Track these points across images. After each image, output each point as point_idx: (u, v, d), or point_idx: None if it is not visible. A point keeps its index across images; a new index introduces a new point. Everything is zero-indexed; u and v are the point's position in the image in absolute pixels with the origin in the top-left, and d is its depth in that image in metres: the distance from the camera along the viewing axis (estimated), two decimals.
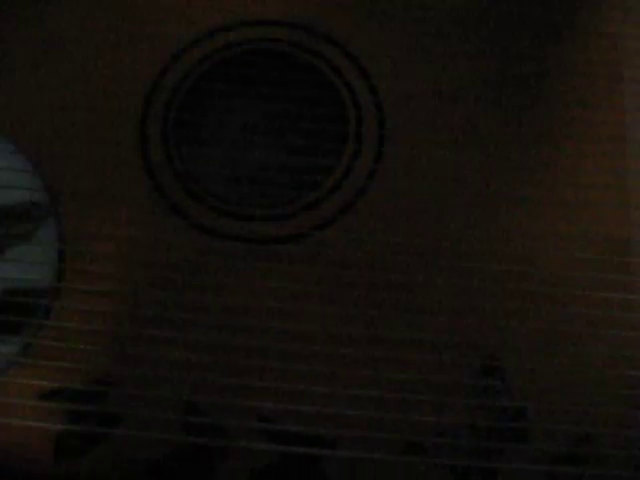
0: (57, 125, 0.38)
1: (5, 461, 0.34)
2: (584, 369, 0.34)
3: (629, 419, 0.33)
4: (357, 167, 0.37)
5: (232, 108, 0.40)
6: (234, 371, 0.34)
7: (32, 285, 0.36)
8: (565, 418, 0.34)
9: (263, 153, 0.39)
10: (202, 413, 0.34)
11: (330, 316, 0.35)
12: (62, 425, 0.34)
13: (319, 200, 0.37)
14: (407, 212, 0.36)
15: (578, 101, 0.38)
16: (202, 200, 0.37)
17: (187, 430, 0.34)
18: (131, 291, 0.35)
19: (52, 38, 0.39)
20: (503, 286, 0.35)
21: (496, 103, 0.38)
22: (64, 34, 0.39)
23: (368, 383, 0.34)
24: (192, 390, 0.34)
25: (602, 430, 0.33)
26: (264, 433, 0.34)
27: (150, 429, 0.33)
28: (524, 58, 0.38)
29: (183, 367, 0.34)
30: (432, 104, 0.37)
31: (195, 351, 0.34)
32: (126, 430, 0.34)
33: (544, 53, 0.39)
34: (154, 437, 0.33)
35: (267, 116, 0.40)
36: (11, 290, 0.36)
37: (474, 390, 0.34)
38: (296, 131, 0.39)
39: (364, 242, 0.36)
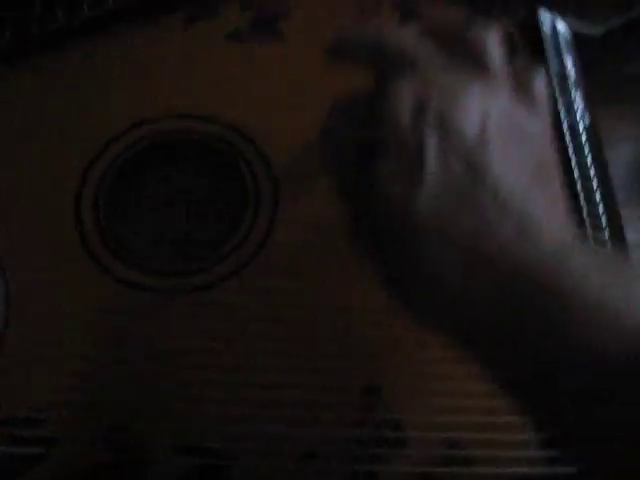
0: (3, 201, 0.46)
1: None
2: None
3: None
4: (255, 227, 0.45)
5: (153, 186, 0.48)
6: (156, 397, 0.41)
7: None
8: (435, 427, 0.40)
9: (180, 220, 0.47)
10: (124, 433, 0.40)
11: (237, 349, 0.42)
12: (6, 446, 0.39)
13: (225, 256, 0.44)
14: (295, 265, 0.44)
15: None
16: (126, 260, 0.44)
17: (111, 448, 0.40)
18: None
19: None
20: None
21: None
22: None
23: (270, 404, 0.41)
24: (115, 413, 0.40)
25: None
26: (179, 450, 0.40)
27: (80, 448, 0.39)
28: None
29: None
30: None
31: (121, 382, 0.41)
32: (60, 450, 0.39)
33: None
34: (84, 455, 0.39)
35: (182, 191, 0.48)
36: None
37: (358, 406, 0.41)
38: (206, 202, 0.47)
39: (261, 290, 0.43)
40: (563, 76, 0.53)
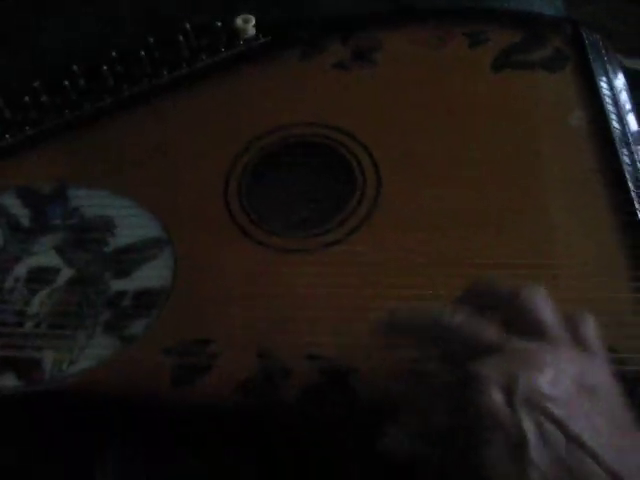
0: (166, 191, 0.60)
1: (128, 393, 0.51)
2: None
3: None
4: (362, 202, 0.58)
5: (282, 176, 0.61)
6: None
7: (158, 284, 0.56)
8: None
9: (301, 206, 0.60)
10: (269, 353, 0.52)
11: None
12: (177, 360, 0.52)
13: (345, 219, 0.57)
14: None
15: None
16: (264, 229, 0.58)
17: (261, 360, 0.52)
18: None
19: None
20: None
21: None
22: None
23: None
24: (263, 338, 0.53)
25: None
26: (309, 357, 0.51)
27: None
28: None
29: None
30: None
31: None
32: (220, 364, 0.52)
33: None
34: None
35: (304, 182, 0.61)
36: (145, 287, 0.56)
37: None
38: (323, 189, 0.61)
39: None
40: (612, 91, 0.63)
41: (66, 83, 0.65)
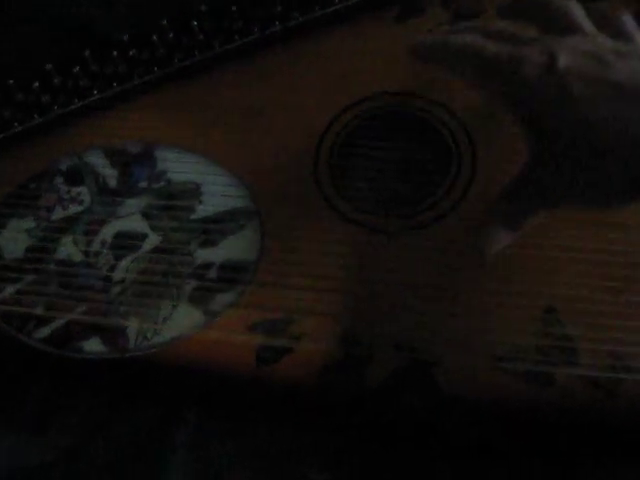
0: (257, 158, 0.59)
1: (213, 369, 0.51)
2: None
3: None
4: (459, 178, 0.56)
5: (375, 148, 0.59)
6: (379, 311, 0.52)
7: (244, 257, 0.55)
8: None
9: (391, 179, 0.58)
10: (354, 337, 0.51)
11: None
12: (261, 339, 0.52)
13: (436, 203, 0.55)
14: None
15: None
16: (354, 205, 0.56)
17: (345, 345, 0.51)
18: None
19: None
20: None
21: None
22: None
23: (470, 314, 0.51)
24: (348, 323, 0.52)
25: None
26: (395, 346, 0.50)
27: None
28: None
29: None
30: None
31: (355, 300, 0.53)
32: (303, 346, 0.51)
33: None
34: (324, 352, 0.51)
35: (397, 153, 0.59)
36: (231, 259, 0.55)
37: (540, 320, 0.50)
38: (417, 162, 0.59)
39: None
40: None
41: (154, 38, 0.63)
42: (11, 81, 0.61)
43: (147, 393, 0.53)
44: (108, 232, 0.57)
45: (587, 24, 0.45)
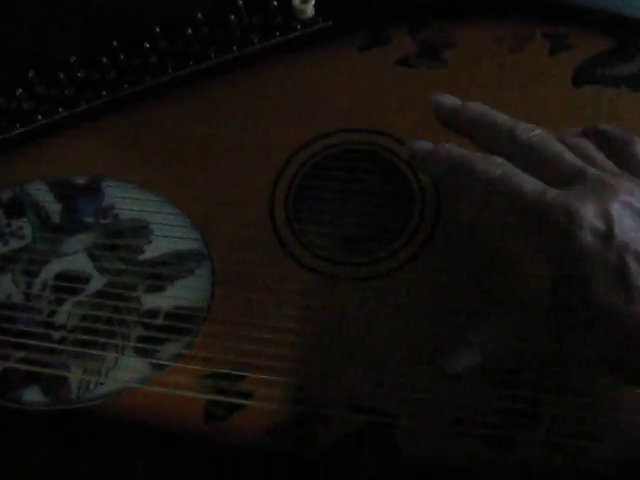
0: (211, 198, 0.55)
1: (160, 424, 0.48)
2: None
3: None
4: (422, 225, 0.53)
5: (330, 189, 0.56)
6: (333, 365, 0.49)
7: (193, 304, 0.52)
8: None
9: (352, 220, 0.56)
10: (306, 393, 0.49)
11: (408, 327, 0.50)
12: (212, 395, 0.49)
13: (397, 250, 0.53)
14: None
15: None
16: (309, 250, 0.53)
17: (298, 403, 0.49)
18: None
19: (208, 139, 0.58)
20: None
21: None
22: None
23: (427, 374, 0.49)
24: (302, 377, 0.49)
25: None
26: (351, 407, 0.48)
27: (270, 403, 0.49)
28: None
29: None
30: None
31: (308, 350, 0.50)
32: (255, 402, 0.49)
33: None
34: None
35: (355, 194, 0.56)
36: (179, 306, 0.52)
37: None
38: (376, 205, 0.56)
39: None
40: None
41: (104, 59, 0.60)
42: None
43: (92, 445, 0.50)
44: (50, 272, 0.54)
45: None
